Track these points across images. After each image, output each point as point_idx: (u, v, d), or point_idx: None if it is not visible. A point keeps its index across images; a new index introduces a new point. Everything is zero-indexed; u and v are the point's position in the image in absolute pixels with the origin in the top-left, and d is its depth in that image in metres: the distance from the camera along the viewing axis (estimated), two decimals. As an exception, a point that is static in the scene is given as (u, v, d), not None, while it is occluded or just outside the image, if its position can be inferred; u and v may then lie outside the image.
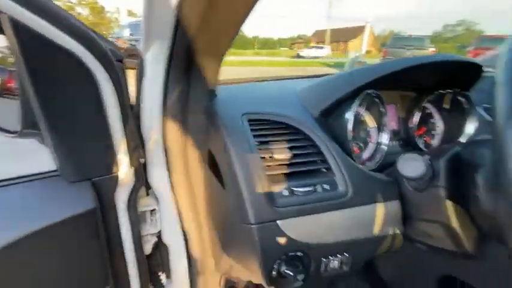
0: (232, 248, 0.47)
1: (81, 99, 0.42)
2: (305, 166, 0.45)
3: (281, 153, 0.44)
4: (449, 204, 0.41)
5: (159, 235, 0.63)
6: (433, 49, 11.06)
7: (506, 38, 0.32)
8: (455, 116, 0.66)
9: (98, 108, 0.43)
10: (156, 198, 0.58)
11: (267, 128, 0.48)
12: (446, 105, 0.63)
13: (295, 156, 0.45)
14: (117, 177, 0.49)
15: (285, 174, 0.44)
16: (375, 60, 14.07)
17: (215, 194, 0.50)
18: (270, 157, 0.44)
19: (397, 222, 0.47)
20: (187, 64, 0.46)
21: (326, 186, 0.43)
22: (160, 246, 0.63)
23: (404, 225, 0.48)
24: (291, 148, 0.46)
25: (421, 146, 0.65)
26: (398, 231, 0.47)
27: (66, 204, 0.41)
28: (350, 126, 0.48)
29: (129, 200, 0.51)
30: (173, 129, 0.52)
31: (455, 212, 0.41)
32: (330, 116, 0.52)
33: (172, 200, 0.57)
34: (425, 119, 0.68)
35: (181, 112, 0.52)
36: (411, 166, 0.38)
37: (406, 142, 0.65)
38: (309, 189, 0.42)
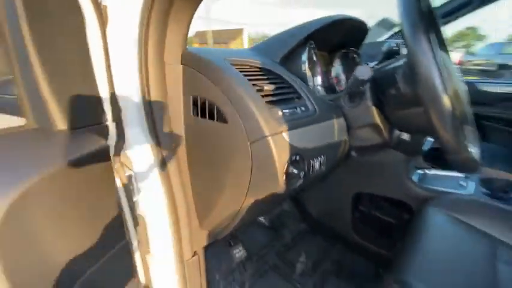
0: (243, 171, 0.52)
1: (72, 40, 0.37)
2: (283, 96, 0.56)
3: (264, 86, 0.53)
4: (373, 109, 0.62)
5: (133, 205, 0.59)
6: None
7: None
8: (351, 68, 0.94)
9: (84, 47, 0.40)
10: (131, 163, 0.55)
11: (247, 69, 0.56)
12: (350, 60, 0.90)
13: (275, 89, 0.55)
14: (104, 130, 0.45)
15: (271, 101, 0.53)
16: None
17: (213, 134, 0.53)
18: (258, 90, 0.52)
19: (345, 133, 0.66)
20: (168, 4, 0.47)
21: (302, 108, 0.56)
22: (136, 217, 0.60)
23: (348, 135, 0.68)
24: (269, 83, 0.56)
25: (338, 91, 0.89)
26: (346, 138, 0.66)
27: (57, 154, 0.36)
28: (305, 66, 0.63)
29: (115, 157, 0.48)
30: (152, 80, 0.51)
31: (377, 113, 0.63)
32: (287, 61, 0.65)
33: (152, 163, 0.55)
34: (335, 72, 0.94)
35: (159, 61, 0.52)
36: (364, 72, 0.56)
37: (328, 89, 0.88)
38: (293, 111, 0.54)
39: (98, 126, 0.42)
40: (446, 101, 0.44)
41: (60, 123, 0.38)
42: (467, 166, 0.52)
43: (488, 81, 1.67)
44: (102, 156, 0.41)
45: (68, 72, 0.38)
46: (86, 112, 0.41)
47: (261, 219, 1.28)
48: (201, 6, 0.52)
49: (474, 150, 0.53)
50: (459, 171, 0.69)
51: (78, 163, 0.38)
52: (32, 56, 0.34)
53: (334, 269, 1.08)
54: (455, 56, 10.02)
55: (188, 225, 0.65)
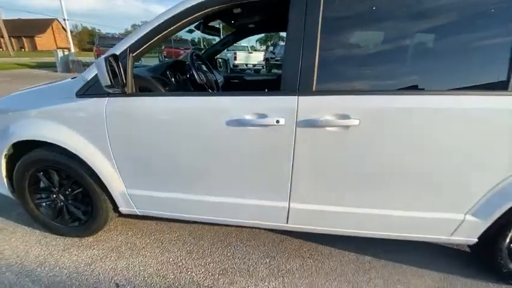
0: None
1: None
2: (168, 84, 1.82)
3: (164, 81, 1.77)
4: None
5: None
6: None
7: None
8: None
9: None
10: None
11: (153, 75, 1.76)
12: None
13: (163, 83, 1.80)
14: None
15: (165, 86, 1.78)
16: (90, 58, 14.07)
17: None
18: (159, 83, 1.75)
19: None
20: None
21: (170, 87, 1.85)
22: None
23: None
24: (161, 80, 1.79)
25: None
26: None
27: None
28: (169, 76, 1.91)
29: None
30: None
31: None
32: (163, 74, 1.89)
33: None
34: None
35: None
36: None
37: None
38: (169, 87, 1.81)
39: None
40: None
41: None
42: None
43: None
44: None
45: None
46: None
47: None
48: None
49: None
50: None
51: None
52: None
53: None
54: (261, 55, 13.95)
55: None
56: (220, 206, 1.46)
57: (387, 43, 1.22)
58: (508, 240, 1.35)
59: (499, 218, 1.26)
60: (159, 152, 1.38)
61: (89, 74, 1.38)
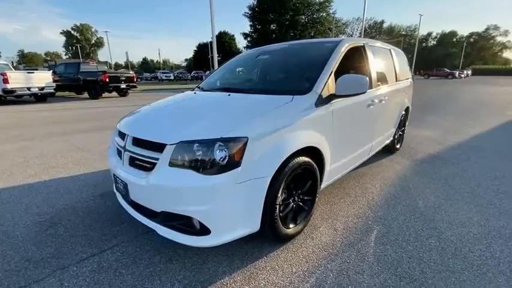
0: None
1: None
2: None
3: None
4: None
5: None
6: None
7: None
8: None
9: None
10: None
11: None
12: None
13: None
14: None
15: None
16: None
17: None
18: None
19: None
20: None
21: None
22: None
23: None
24: None
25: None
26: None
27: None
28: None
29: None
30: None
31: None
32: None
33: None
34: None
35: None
36: None
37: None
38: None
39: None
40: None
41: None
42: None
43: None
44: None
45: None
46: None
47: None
48: None
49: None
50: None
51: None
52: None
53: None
54: (48, 74, 10.81)
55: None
56: (361, 153, 2.66)
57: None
58: (398, 135, 3.81)
59: (397, 129, 3.66)
60: (347, 129, 2.28)
61: (318, 88, 1.95)
